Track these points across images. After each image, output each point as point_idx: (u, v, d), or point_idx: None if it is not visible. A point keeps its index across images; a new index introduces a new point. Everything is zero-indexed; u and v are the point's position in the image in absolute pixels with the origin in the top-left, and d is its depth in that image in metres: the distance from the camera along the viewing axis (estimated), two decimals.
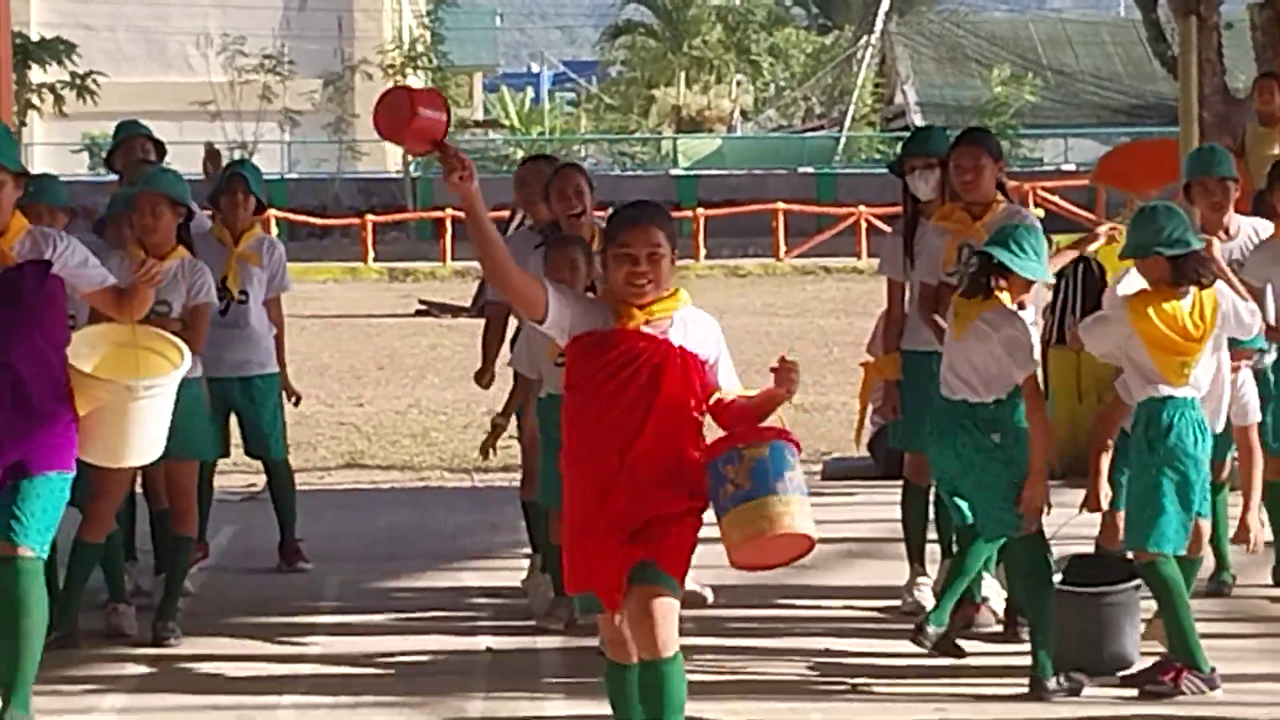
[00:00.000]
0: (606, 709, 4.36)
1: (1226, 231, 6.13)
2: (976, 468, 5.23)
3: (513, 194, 7.11)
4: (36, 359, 4.86)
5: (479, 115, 43.15)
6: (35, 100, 23.00)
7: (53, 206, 6.15)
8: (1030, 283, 5.34)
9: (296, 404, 7.31)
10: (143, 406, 5.07)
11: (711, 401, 4.22)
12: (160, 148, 7.23)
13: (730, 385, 4.23)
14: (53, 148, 30.56)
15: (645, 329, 4.10)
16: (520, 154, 31.06)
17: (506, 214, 10.45)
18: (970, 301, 5.26)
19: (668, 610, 4.10)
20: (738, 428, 4.18)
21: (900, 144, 6.76)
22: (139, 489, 6.40)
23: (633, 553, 4.07)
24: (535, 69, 50.03)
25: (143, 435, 5.13)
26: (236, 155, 8.11)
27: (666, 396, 4.08)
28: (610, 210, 4.45)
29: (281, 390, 7.01)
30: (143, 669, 5.75)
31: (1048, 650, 5.12)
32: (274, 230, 20.52)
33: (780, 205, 27.33)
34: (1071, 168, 30.03)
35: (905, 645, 5.51)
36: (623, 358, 4.09)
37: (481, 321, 7.11)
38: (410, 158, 5.83)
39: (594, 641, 5.11)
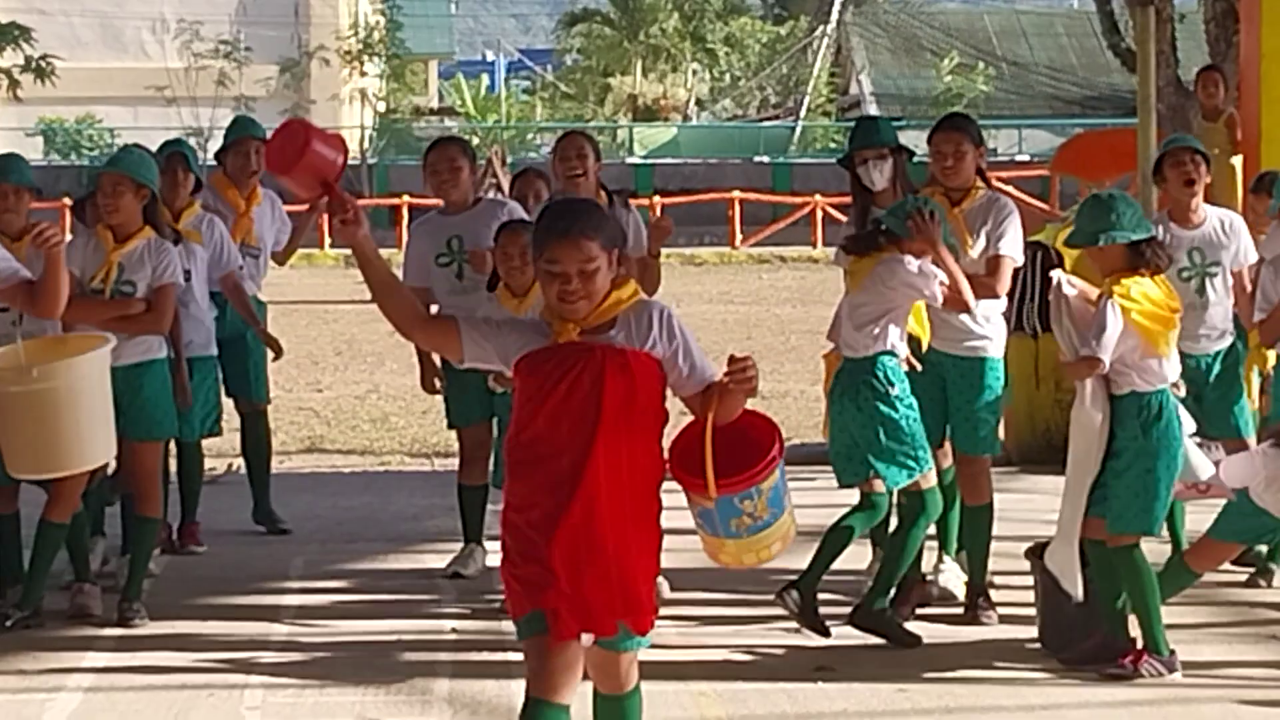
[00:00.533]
0: None
1: (1193, 215, 6.21)
2: (877, 419, 5.45)
3: (488, 165, 7.05)
4: None
5: (434, 103, 43.29)
6: None
7: (18, 185, 6.13)
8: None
9: (278, 357, 7.34)
10: (53, 400, 4.80)
11: (672, 453, 3.94)
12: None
13: (700, 371, 3.90)
14: (8, 133, 30.11)
15: (583, 338, 3.79)
16: (475, 141, 31.12)
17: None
18: (862, 259, 5.52)
19: (633, 660, 3.95)
20: (750, 462, 3.95)
21: (848, 136, 6.76)
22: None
23: (602, 612, 3.77)
24: (491, 57, 49.93)
25: (66, 435, 4.85)
26: (192, 141, 8.10)
27: (610, 407, 3.76)
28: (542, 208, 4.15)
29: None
30: (109, 650, 5.75)
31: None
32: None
33: (736, 194, 27.24)
34: (1026, 158, 30.16)
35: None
36: (557, 372, 3.78)
37: None
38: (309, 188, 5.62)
39: None
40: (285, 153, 3.84)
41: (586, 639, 3.78)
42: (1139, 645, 5.22)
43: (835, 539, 5.60)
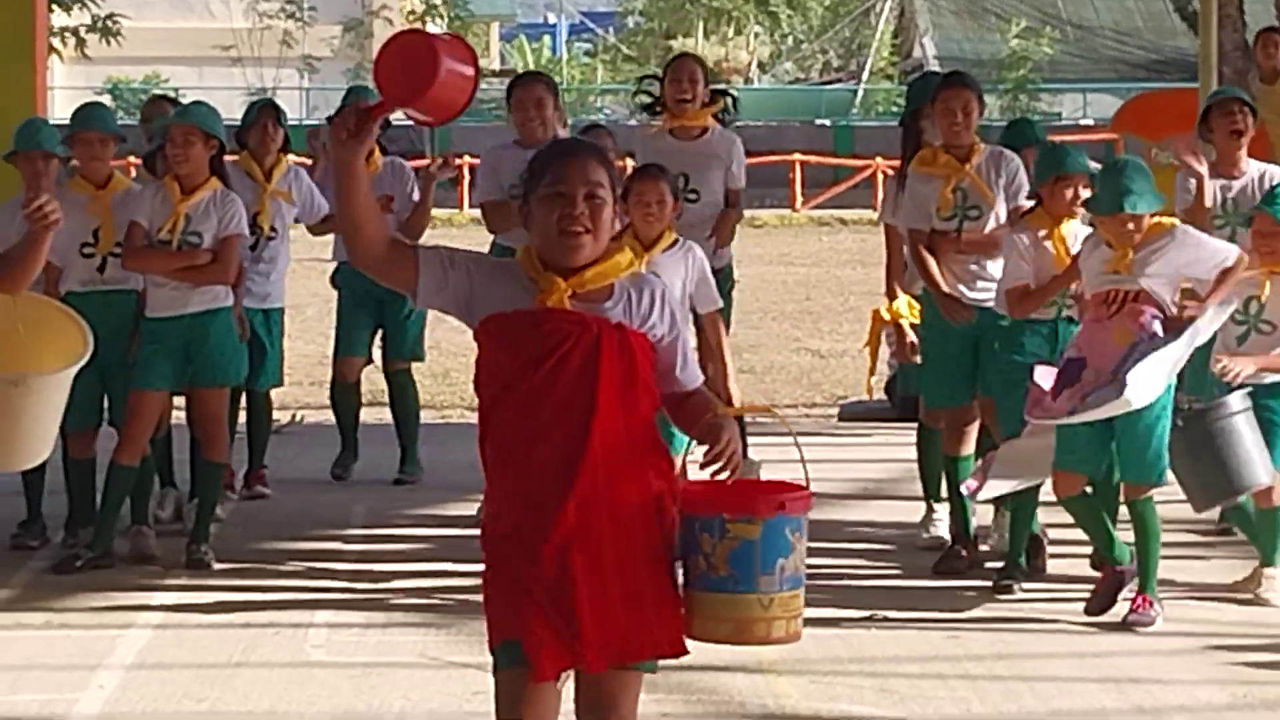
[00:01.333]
0: None
1: (1236, 167, 6.30)
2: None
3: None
4: None
5: (496, 65, 43.86)
6: (57, 44, 23.04)
7: (103, 134, 6.44)
8: None
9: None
10: (29, 403, 4.75)
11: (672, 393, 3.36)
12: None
13: (691, 370, 3.41)
14: (75, 91, 30.75)
15: (575, 305, 3.23)
16: None
17: None
18: None
19: (638, 691, 3.36)
20: (739, 489, 3.29)
21: (907, 93, 6.89)
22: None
23: (609, 645, 3.23)
24: (552, 19, 49.75)
25: (30, 433, 4.85)
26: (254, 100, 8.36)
27: (605, 399, 3.21)
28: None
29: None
30: (177, 590, 6.07)
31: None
32: None
33: (797, 157, 27.58)
34: (1090, 122, 30.29)
35: (921, 578, 5.96)
36: (540, 345, 3.20)
37: None
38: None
39: None
40: (413, 79, 3.20)
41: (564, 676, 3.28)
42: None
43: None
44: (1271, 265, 5.58)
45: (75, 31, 25.13)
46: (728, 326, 6.21)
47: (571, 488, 3.19)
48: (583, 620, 3.20)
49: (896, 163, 6.88)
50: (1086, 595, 5.69)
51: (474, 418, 11.03)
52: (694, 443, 3.39)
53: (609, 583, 3.23)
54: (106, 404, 6.37)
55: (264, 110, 7.26)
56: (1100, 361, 5.30)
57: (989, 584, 5.85)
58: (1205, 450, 5.43)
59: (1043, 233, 5.65)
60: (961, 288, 6.01)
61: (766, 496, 3.30)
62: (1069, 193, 5.63)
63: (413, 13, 35.39)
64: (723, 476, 3.22)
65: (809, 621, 5.44)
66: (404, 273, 3.24)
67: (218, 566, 6.25)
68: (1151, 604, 5.40)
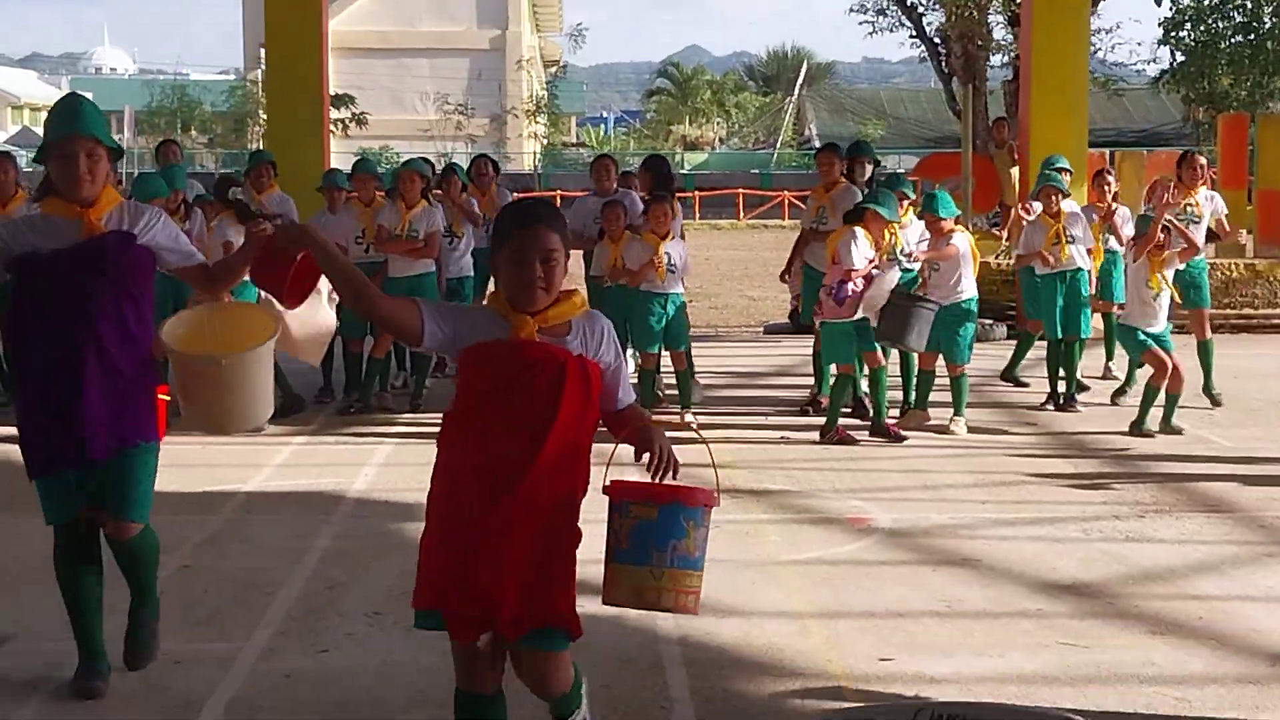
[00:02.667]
0: None
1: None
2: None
3: (590, 177, 11.65)
4: (122, 330, 4.75)
5: (573, 139, 70.04)
6: (333, 129, 31.95)
7: (367, 174, 10.97)
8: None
9: None
10: (235, 378, 4.90)
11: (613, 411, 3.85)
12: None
13: (626, 391, 3.86)
14: (341, 155, 39.33)
15: (540, 338, 3.67)
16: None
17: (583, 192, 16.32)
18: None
19: (563, 664, 3.83)
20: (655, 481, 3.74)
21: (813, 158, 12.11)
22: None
23: (521, 618, 3.69)
24: (606, 114, 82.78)
25: (241, 403, 4.98)
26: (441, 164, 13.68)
27: (566, 413, 3.64)
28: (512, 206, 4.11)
29: None
30: (405, 425, 10.21)
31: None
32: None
33: (741, 190, 45.21)
34: (901, 171, 39.30)
35: (810, 418, 10.22)
36: (512, 368, 3.63)
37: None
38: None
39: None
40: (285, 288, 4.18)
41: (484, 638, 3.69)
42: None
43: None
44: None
45: (342, 121, 45.77)
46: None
47: (523, 479, 3.57)
48: (505, 593, 3.60)
49: (796, 193, 11.84)
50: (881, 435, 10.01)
51: None
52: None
53: (529, 562, 3.64)
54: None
55: (477, 163, 12.08)
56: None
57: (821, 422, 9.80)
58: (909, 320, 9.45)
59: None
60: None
61: (666, 489, 3.69)
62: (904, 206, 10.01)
63: (528, 110, 60.86)
64: (665, 478, 3.66)
65: (752, 440, 9.72)
66: (410, 321, 3.67)
67: (425, 414, 10.50)
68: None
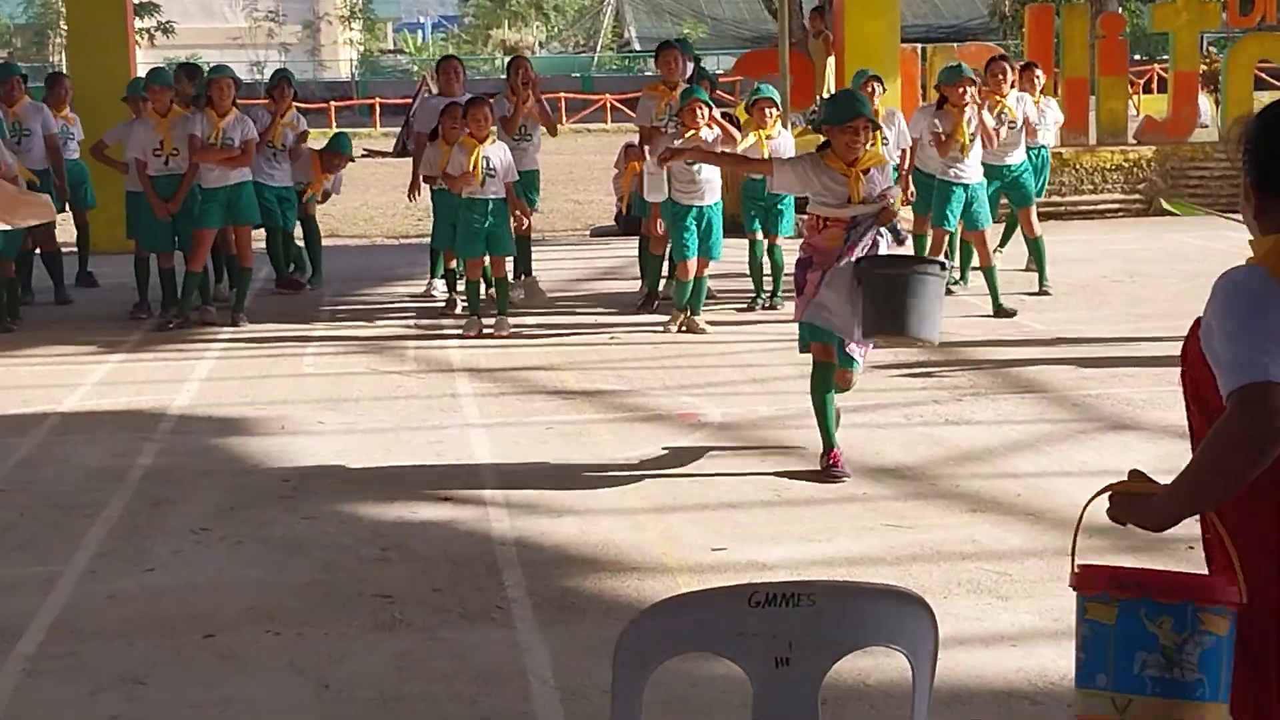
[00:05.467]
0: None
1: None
2: None
3: (420, 85, 11.62)
4: None
5: (391, 47, 68.20)
6: (138, 39, 30.83)
7: (164, 85, 10.66)
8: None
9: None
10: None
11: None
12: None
13: None
14: (146, 65, 38.01)
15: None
16: (416, 69, 50.41)
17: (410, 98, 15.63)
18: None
19: None
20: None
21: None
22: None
23: None
24: (423, 20, 78.52)
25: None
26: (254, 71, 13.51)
27: None
28: None
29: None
30: (226, 340, 10.14)
31: None
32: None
33: (563, 94, 42.65)
34: (720, 71, 39.61)
35: (638, 316, 10.40)
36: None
37: (402, 160, 12.02)
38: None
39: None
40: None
41: None
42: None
43: None
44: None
45: (148, 30, 43.44)
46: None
47: None
48: None
49: (619, 96, 11.67)
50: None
51: (390, 242, 16.45)
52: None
53: None
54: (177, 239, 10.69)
55: (281, 75, 11.66)
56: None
57: (665, 318, 10.09)
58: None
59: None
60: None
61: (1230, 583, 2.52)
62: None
63: (342, 16, 58.73)
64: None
65: (582, 342, 10.08)
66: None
67: (248, 325, 10.45)
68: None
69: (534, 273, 11.43)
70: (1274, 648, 2.55)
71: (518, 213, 10.06)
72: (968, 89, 10.22)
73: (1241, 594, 2.50)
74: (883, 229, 6.40)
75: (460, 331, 10.05)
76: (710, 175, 9.82)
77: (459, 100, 10.46)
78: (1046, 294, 10.99)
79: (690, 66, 10.87)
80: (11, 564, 5.59)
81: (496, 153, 9.94)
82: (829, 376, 6.52)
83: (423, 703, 4.31)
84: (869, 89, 10.69)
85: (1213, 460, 2.46)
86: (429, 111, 10.98)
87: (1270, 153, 2.56)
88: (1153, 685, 2.49)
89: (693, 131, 9.56)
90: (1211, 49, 26.62)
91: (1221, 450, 2.44)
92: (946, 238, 10.58)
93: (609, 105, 43.38)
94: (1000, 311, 10.16)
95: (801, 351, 6.69)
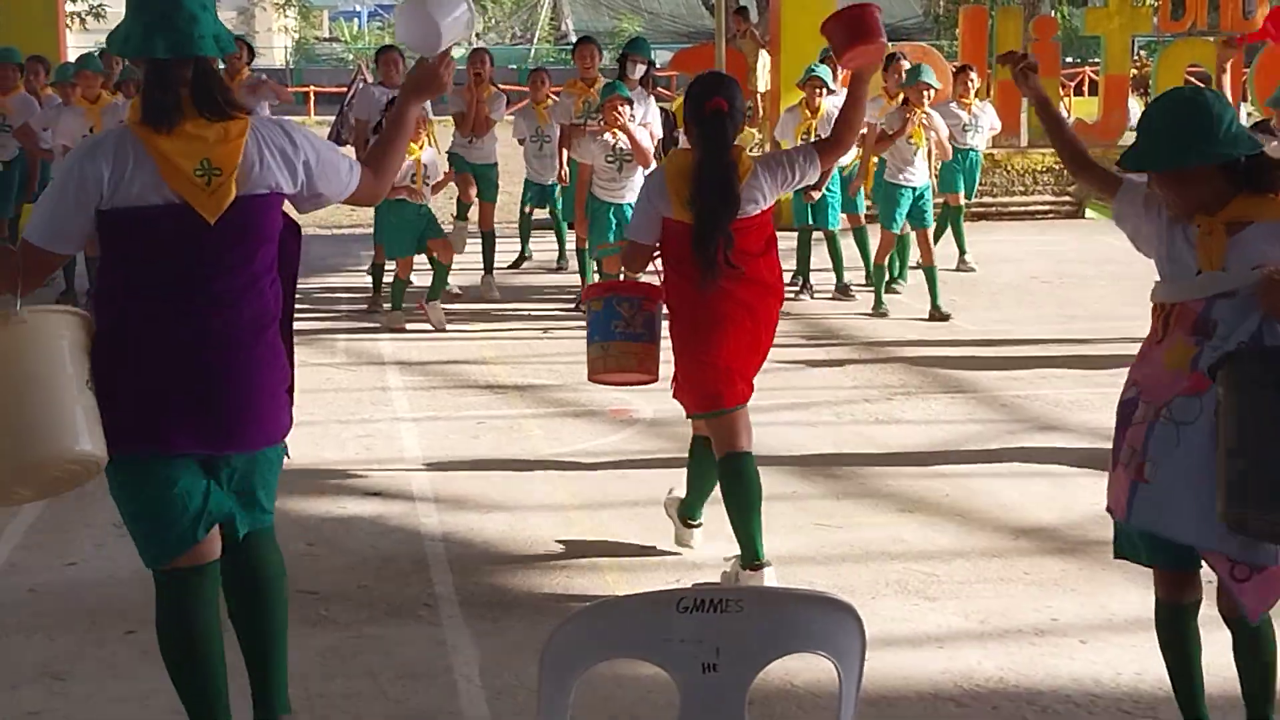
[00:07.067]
0: None
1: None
2: None
3: (356, 74, 11.50)
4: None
5: (326, 34, 66.45)
6: (69, 23, 30.85)
7: (94, 72, 10.48)
8: None
9: None
10: None
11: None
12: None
13: None
14: (78, 49, 37.71)
15: None
16: (351, 57, 48.99)
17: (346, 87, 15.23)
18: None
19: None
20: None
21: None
22: None
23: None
24: (359, 8, 75.75)
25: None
26: None
27: None
28: None
29: None
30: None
31: None
32: None
33: (500, 86, 40.71)
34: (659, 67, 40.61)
35: (570, 326, 10.39)
36: None
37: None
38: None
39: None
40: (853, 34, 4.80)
41: None
42: None
43: None
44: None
45: (79, 14, 41.76)
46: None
47: None
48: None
49: (555, 89, 11.47)
50: None
51: (325, 231, 16.24)
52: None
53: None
54: None
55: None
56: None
57: None
58: None
59: None
60: (595, 149, 10.04)
61: (603, 287, 5.32)
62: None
63: (276, 3, 57.13)
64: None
65: (514, 335, 10.05)
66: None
67: None
68: None
69: (493, 271, 11.34)
70: None
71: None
72: (924, 93, 10.21)
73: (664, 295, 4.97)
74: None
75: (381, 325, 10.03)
76: (635, 175, 9.68)
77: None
78: (947, 317, 10.33)
79: (642, 69, 10.79)
80: None
81: (428, 156, 9.93)
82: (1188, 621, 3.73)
83: (348, 700, 4.28)
84: (815, 88, 10.61)
85: None
86: (366, 100, 10.87)
87: None
88: (621, 336, 5.10)
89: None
90: (1142, 53, 26.92)
91: None
92: (895, 240, 10.59)
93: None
94: (936, 314, 10.19)
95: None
